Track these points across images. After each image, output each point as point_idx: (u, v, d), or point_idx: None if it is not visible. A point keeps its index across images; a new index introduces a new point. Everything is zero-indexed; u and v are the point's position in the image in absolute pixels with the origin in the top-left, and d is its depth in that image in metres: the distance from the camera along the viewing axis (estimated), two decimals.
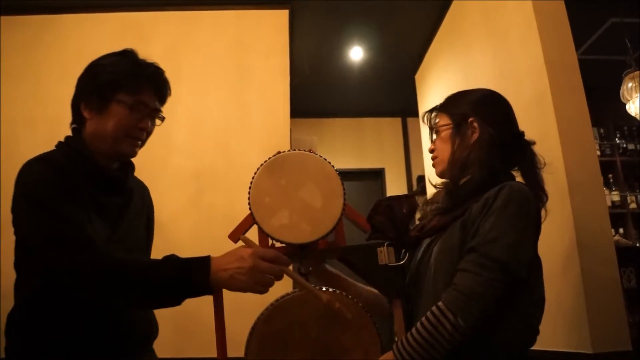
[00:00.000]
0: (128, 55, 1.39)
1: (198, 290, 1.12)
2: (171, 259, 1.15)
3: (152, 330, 1.44)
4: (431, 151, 1.46)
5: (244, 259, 1.10)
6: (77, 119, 1.37)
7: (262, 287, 1.11)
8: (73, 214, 1.18)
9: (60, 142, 1.36)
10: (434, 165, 1.45)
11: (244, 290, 1.11)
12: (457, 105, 1.43)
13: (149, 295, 1.13)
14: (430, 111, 1.49)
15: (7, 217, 1.25)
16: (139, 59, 1.39)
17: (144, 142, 1.40)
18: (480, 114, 1.37)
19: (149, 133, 1.40)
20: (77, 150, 1.32)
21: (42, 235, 1.16)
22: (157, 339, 1.48)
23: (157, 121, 1.41)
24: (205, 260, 1.12)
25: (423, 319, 1.14)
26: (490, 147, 1.32)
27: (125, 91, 1.32)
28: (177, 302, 1.15)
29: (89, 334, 1.22)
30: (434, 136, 1.47)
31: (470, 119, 1.37)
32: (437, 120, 1.45)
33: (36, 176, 1.22)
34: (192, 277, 1.10)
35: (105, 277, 1.11)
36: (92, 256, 1.12)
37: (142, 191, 1.54)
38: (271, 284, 1.12)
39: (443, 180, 1.47)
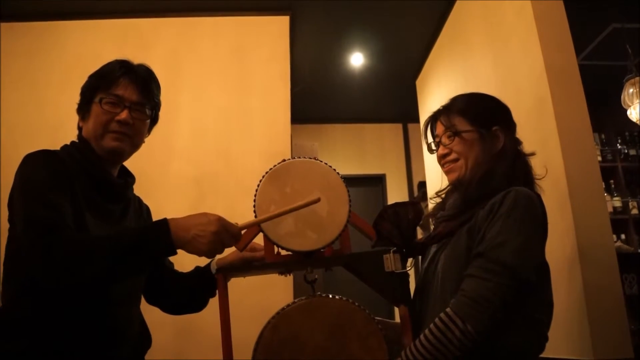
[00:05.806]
0: (110, 62, 1.41)
1: (161, 251, 1.13)
2: (130, 227, 1.17)
3: (143, 340, 1.43)
4: (445, 155, 1.39)
5: (210, 222, 1.10)
6: (79, 131, 1.40)
7: (212, 255, 1.13)
8: (58, 203, 1.18)
9: (65, 145, 1.37)
10: (449, 170, 1.39)
11: (199, 254, 1.12)
12: (477, 111, 1.39)
13: (115, 263, 1.11)
14: (446, 112, 1.41)
15: (6, 222, 1.25)
16: (116, 60, 1.40)
17: (132, 137, 1.38)
18: (502, 123, 1.38)
19: (136, 128, 1.38)
20: (82, 152, 1.33)
21: (23, 217, 1.17)
22: (157, 343, 1.48)
23: (142, 115, 1.39)
24: (163, 222, 1.12)
25: (431, 325, 1.14)
26: (514, 158, 1.33)
27: (101, 91, 1.35)
28: (145, 264, 1.18)
29: (75, 341, 1.19)
30: (442, 139, 1.40)
31: (494, 128, 1.36)
32: (455, 123, 1.38)
33: (31, 166, 1.24)
34: (152, 238, 1.11)
35: (72, 251, 1.09)
36: (62, 236, 1.12)
37: (140, 207, 1.54)
38: (220, 253, 1.15)
39: (444, 189, 1.45)
